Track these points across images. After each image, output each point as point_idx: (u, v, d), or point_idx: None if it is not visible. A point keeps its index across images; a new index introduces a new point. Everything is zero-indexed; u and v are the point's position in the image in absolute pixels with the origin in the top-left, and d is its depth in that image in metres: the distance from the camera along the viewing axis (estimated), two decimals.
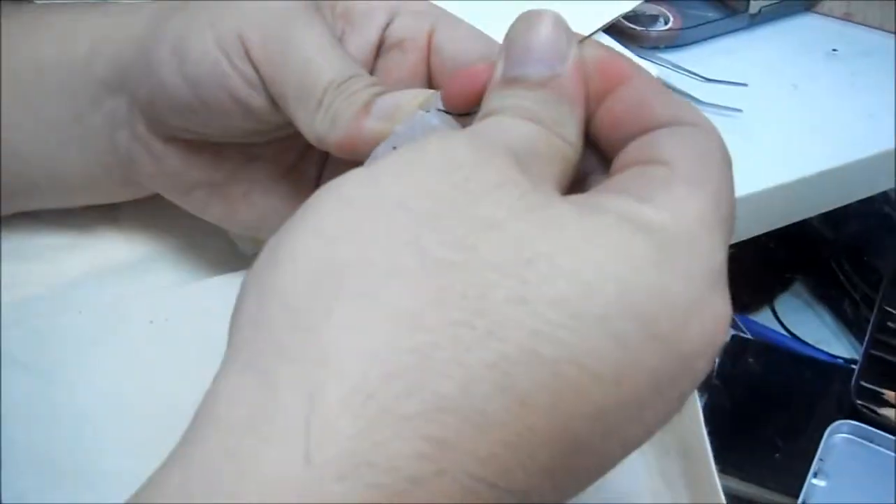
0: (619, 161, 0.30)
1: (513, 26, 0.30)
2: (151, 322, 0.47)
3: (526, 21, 0.30)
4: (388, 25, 0.41)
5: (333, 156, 0.41)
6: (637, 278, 0.25)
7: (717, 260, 0.27)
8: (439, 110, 0.34)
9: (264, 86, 0.38)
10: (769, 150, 0.61)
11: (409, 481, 0.24)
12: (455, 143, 0.28)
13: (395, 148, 0.34)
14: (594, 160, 0.31)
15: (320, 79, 0.37)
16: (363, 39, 0.40)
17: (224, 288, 0.47)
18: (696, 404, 0.46)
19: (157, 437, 0.43)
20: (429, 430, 0.24)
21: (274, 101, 0.38)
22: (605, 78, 0.30)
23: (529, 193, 0.26)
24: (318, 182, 0.43)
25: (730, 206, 0.28)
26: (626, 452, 0.27)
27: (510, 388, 0.24)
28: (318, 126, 0.36)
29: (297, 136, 0.41)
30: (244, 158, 0.43)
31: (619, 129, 0.30)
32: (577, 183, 0.31)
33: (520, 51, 0.30)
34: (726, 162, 0.29)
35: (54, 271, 0.50)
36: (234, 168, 0.43)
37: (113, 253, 0.51)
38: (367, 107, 0.36)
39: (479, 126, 0.29)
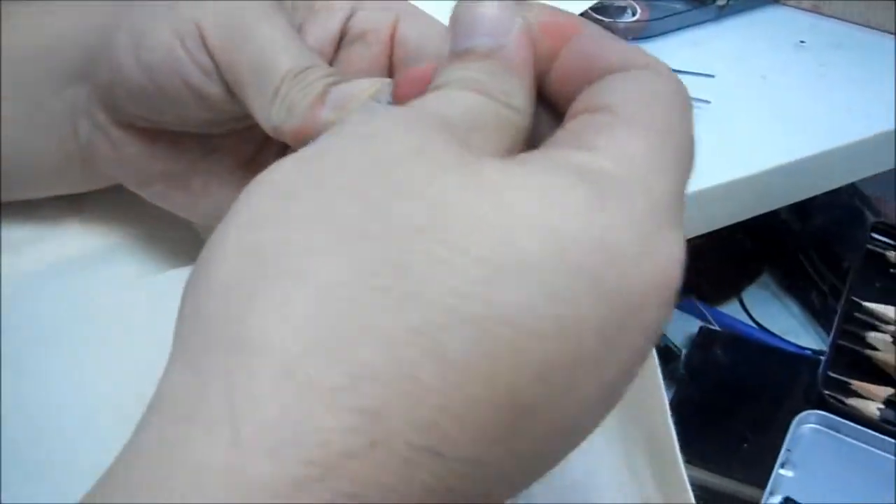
0: (568, 115, 0.29)
1: (458, 4, 0.30)
2: (118, 314, 0.47)
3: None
4: (350, 17, 0.41)
5: (292, 147, 0.41)
6: (571, 226, 0.24)
7: (665, 202, 0.26)
8: (389, 102, 0.34)
9: (220, 74, 0.38)
10: (737, 141, 0.61)
11: (343, 455, 0.23)
12: (380, 117, 0.28)
13: None
14: (553, 123, 0.31)
15: (276, 68, 0.37)
16: (324, 30, 0.40)
17: (184, 279, 0.47)
18: (662, 396, 0.46)
19: (125, 428, 0.43)
20: (356, 402, 0.23)
21: (230, 90, 0.38)
22: (552, 37, 0.29)
23: (452, 157, 0.26)
24: None
25: (682, 148, 0.27)
26: (590, 416, 0.26)
27: (439, 353, 0.24)
28: (274, 116, 0.36)
29: (255, 127, 0.41)
30: (203, 149, 0.43)
31: (571, 84, 0.29)
32: (532, 149, 0.31)
33: (465, 26, 0.29)
34: (679, 102, 0.28)
35: (19, 264, 0.50)
36: (193, 159, 0.43)
37: (78, 244, 0.51)
38: (322, 96, 0.36)
39: (419, 100, 0.29)
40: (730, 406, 0.74)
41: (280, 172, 0.27)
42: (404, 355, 0.24)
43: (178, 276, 0.46)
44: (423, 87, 0.30)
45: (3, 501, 0.42)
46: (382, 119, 0.28)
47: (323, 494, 0.23)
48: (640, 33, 0.66)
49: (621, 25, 0.65)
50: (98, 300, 0.47)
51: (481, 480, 0.25)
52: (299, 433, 0.23)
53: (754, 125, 0.63)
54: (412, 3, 0.41)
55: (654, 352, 0.46)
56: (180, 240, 0.50)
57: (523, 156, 0.27)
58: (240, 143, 0.42)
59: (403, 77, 0.33)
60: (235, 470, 0.23)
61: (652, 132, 0.27)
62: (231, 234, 0.26)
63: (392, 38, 0.40)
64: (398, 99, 0.33)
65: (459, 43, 0.29)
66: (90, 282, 0.48)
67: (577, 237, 0.24)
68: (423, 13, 0.41)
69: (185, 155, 0.42)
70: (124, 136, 0.42)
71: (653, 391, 0.46)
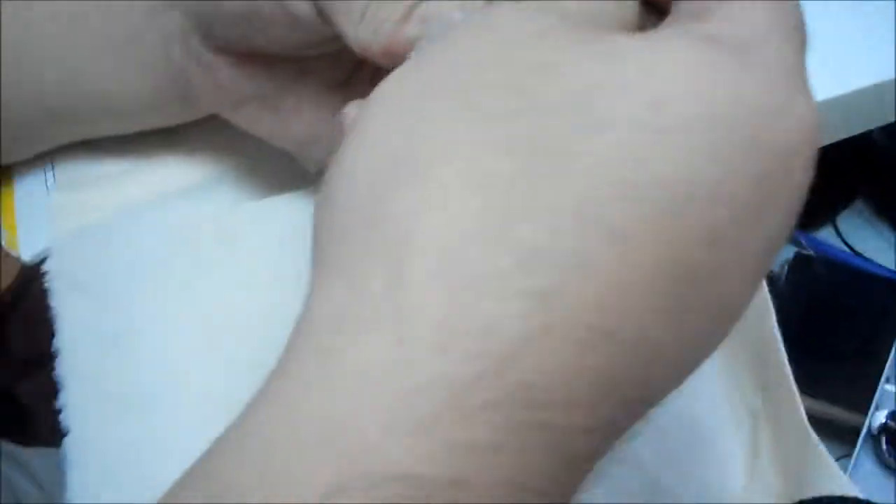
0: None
1: None
2: (218, 241, 0.48)
3: None
4: None
5: (384, 69, 0.42)
6: (716, 87, 0.25)
7: (795, 67, 0.26)
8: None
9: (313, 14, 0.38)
10: (827, 59, 0.60)
11: (516, 344, 0.22)
12: (495, 11, 0.28)
13: None
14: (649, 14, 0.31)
15: None
16: None
17: (290, 205, 0.48)
18: (771, 315, 0.46)
19: (232, 352, 0.44)
20: (525, 285, 0.23)
21: (320, 13, 0.38)
22: None
23: (579, 33, 0.26)
24: None
25: (797, 16, 0.27)
26: (747, 288, 0.26)
27: (603, 225, 0.23)
28: (362, 35, 0.36)
29: (347, 50, 0.41)
30: (295, 72, 0.44)
31: None
32: None
33: None
34: None
35: (113, 198, 0.51)
36: (285, 81, 0.44)
37: (172, 177, 0.52)
38: (407, 14, 0.36)
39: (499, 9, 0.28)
40: (827, 331, 0.74)
41: (398, 78, 0.28)
42: (570, 232, 0.23)
43: (278, 203, 0.48)
44: None
45: (103, 434, 0.43)
46: (497, 11, 0.28)
47: (498, 386, 0.22)
48: None
49: None
50: (199, 229, 0.48)
51: (644, 365, 0.24)
52: (468, 324, 0.23)
53: (849, 42, 0.62)
54: None
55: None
56: (276, 169, 0.51)
57: (649, 32, 0.27)
58: (332, 65, 0.43)
59: None
60: (405, 368, 0.23)
61: (768, 2, 0.27)
62: (360, 143, 0.26)
63: None
64: None
65: None
66: (188, 212, 0.49)
67: (722, 97, 0.24)
68: None
69: (277, 77, 0.43)
70: (217, 59, 0.43)
71: (762, 317, 0.46)
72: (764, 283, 0.46)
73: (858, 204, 0.92)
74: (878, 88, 0.61)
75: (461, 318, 0.23)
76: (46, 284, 0.48)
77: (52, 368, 0.46)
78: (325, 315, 0.25)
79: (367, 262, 0.24)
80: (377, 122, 0.27)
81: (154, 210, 0.50)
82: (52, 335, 0.46)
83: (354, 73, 0.45)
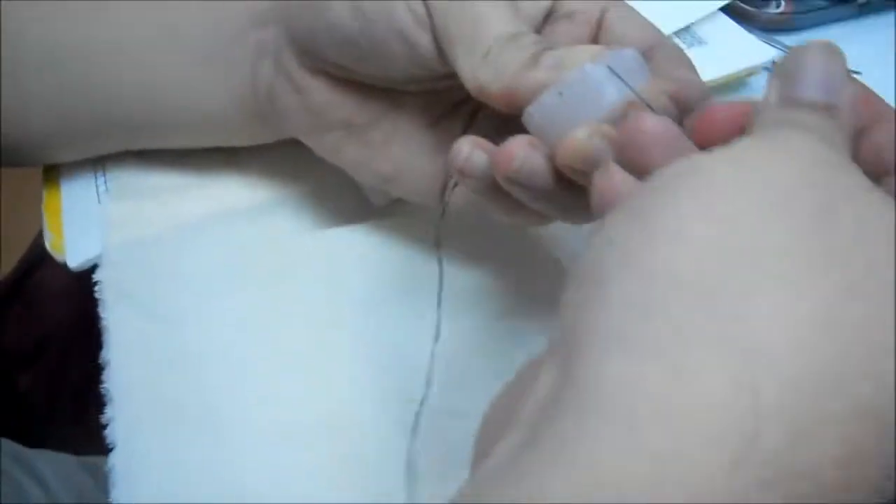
0: None
1: (788, 55, 0.30)
2: (277, 268, 0.48)
3: (803, 50, 0.30)
4: None
5: (482, 114, 0.42)
6: None
7: None
8: (609, 67, 0.34)
9: (433, 28, 0.38)
10: None
11: (821, 488, 0.22)
12: (809, 141, 0.27)
13: (560, 94, 0.34)
14: None
15: (491, 30, 0.37)
16: (534, 6, 0.41)
17: (353, 237, 0.49)
18: None
19: (279, 384, 0.44)
20: (847, 434, 0.23)
21: (439, 45, 0.39)
22: (866, 114, 0.30)
23: (858, 175, 0.27)
24: None
25: None
26: None
27: None
28: (482, 74, 0.37)
29: (448, 89, 0.42)
30: (390, 104, 0.44)
31: (875, 165, 0.29)
32: None
33: (800, 75, 0.29)
34: None
35: (170, 212, 0.51)
36: (378, 112, 0.44)
37: (233, 197, 0.52)
38: (534, 58, 0.36)
39: (787, 132, 0.28)
40: None
41: (723, 167, 0.27)
42: (890, 389, 0.23)
43: (341, 235, 0.48)
44: (731, 126, 0.31)
45: (154, 451, 0.43)
46: (810, 141, 0.27)
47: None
48: (782, 25, 0.66)
49: (766, 16, 0.66)
50: (258, 254, 0.48)
51: None
52: (797, 463, 0.23)
53: None
54: None
55: None
56: (338, 198, 0.51)
57: None
58: (429, 102, 0.44)
59: (706, 115, 0.32)
60: (731, 496, 0.22)
61: None
62: (690, 224, 0.25)
63: (598, 22, 0.40)
64: (699, 136, 0.32)
65: (793, 90, 0.29)
66: (247, 235, 0.49)
67: None
68: (629, 6, 0.42)
69: (371, 107, 0.43)
70: (313, 82, 0.43)
71: None
72: None
73: None
74: None
75: (791, 456, 0.22)
76: (96, 294, 0.48)
77: (48, 361, 0.45)
78: (634, 401, 0.23)
79: (702, 356, 0.23)
80: (711, 201, 0.26)
81: (214, 228, 0.50)
82: (44, 329, 0.46)
83: (449, 113, 0.45)
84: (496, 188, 0.37)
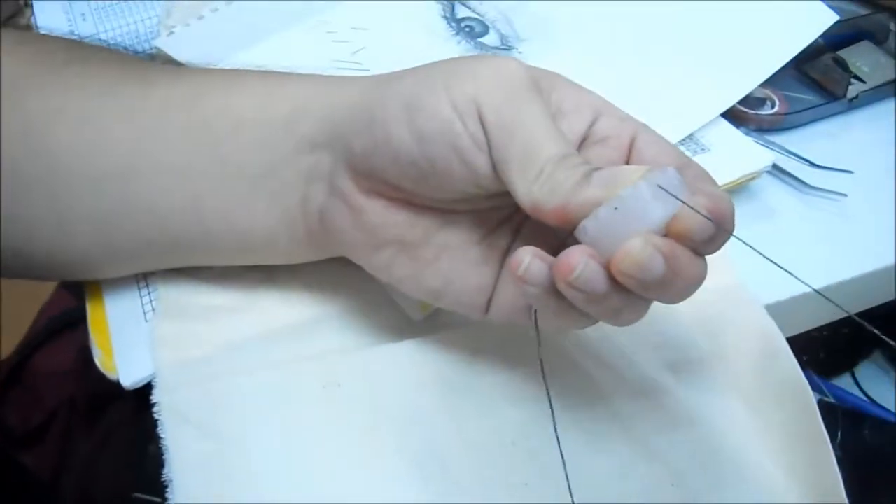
0: None
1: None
2: (324, 386, 0.51)
3: None
4: (594, 122, 0.46)
5: (526, 230, 0.46)
6: None
7: None
8: (658, 185, 0.39)
9: (490, 149, 0.43)
10: (872, 234, 0.66)
11: None
12: None
13: (615, 209, 0.39)
14: None
15: (544, 150, 0.42)
16: (570, 130, 0.45)
17: (397, 354, 0.52)
18: (838, 478, 0.50)
19: (342, 493, 0.47)
20: None
21: (494, 165, 0.43)
22: None
23: None
24: (506, 254, 0.48)
25: None
26: None
27: None
28: (537, 192, 0.41)
29: (495, 209, 0.46)
30: (442, 222, 0.47)
31: None
32: None
33: None
34: None
35: (219, 333, 0.54)
36: (429, 230, 0.47)
37: (276, 316, 0.55)
38: (586, 177, 0.41)
39: None
40: (881, 485, 0.78)
41: None
42: None
43: (386, 352, 0.51)
44: None
45: None
46: None
47: None
48: (777, 125, 0.71)
49: (761, 116, 0.70)
50: (306, 372, 0.52)
51: None
52: None
53: (888, 218, 0.67)
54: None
55: (825, 433, 0.50)
56: (379, 314, 0.54)
57: None
58: (478, 220, 0.48)
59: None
60: None
61: None
62: None
63: (629, 147, 0.45)
64: None
65: None
66: (292, 353, 0.52)
67: None
68: (655, 131, 0.47)
69: (423, 225, 0.47)
70: (368, 202, 0.47)
71: (827, 471, 0.50)
72: (829, 444, 0.50)
73: (876, 355, 0.98)
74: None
75: None
76: (156, 416, 0.51)
77: (51, 442, 0.48)
78: None
79: None
80: None
81: (259, 350, 0.53)
82: (46, 408, 0.48)
83: (496, 229, 0.48)
84: (550, 294, 0.41)
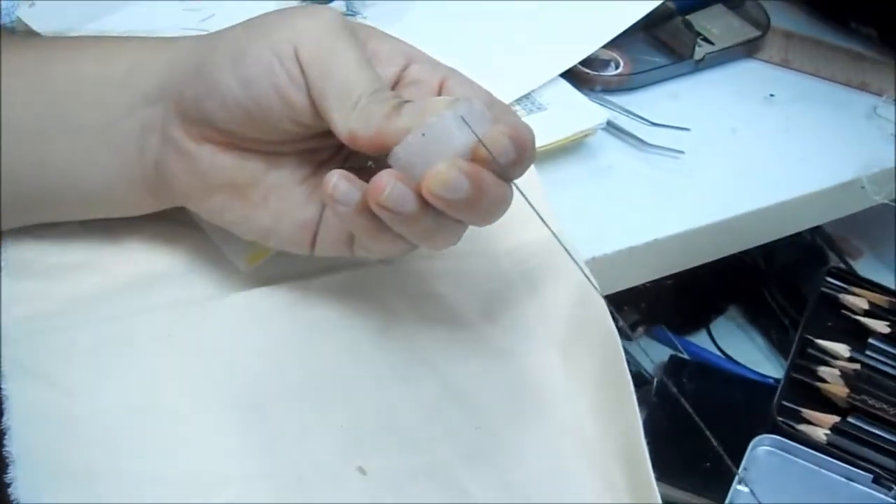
0: None
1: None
2: (155, 338, 0.55)
3: None
4: (406, 67, 0.52)
5: (347, 167, 0.51)
6: None
7: None
8: (461, 116, 0.45)
9: (308, 87, 0.48)
10: (708, 190, 0.71)
11: None
12: None
13: (423, 136, 0.45)
14: None
15: (358, 86, 0.47)
16: (384, 74, 0.51)
17: (223, 307, 0.56)
18: (637, 418, 0.56)
19: (168, 438, 0.51)
20: None
21: (313, 102, 0.48)
22: None
23: None
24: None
25: None
26: None
27: None
28: (353, 124, 0.47)
29: (318, 148, 0.51)
30: (268, 165, 0.52)
31: None
32: None
33: None
34: None
35: (63, 289, 0.56)
36: (257, 172, 0.52)
37: (117, 273, 0.58)
38: (397, 108, 0.46)
39: None
40: (695, 428, 0.84)
41: None
42: None
43: (212, 306, 0.55)
44: None
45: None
46: None
47: None
48: (622, 85, 0.76)
49: (605, 77, 0.75)
50: (145, 324, 0.55)
51: None
52: None
53: (724, 175, 0.73)
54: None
55: (629, 377, 0.56)
56: (217, 272, 0.58)
57: None
58: (302, 162, 0.53)
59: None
60: None
61: None
62: None
63: (439, 88, 0.51)
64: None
65: None
66: (134, 307, 0.56)
67: None
68: (464, 76, 0.52)
69: (251, 167, 0.52)
70: (198, 148, 0.52)
71: (629, 413, 0.56)
72: (632, 388, 0.56)
73: (732, 311, 1.05)
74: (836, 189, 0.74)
75: None
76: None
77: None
78: None
79: None
80: None
81: (102, 304, 0.56)
82: None
83: (318, 169, 0.53)
84: (363, 214, 0.46)
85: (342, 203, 0.46)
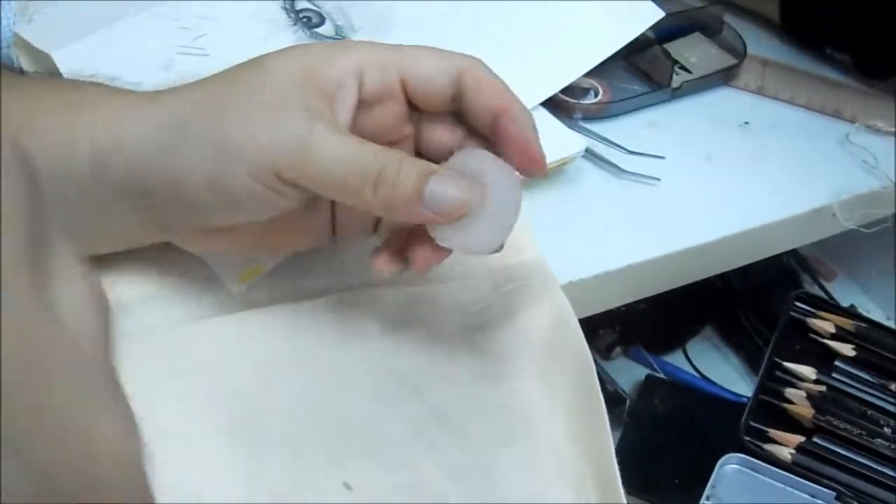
0: None
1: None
2: (154, 357, 0.58)
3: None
4: (361, 87, 0.51)
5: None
6: None
7: None
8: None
9: (298, 194, 0.49)
10: (683, 216, 0.75)
11: None
12: None
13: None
14: None
15: (358, 180, 0.48)
16: (345, 107, 0.51)
17: (212, 329, 0.58)
18: (608, 438, 0.60)
19: (155, 459, 0.54)
20: None
21: (310, 202, 0.51)
22: None
23: None
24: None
25: None
26: None
27: None
28: (378, 211, 0.50)
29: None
30: (272, 219, 0.52)
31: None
32: None
33: None
34: None
35: None
36: (263, 227, 0.53)
37: (108, 293, 0.61)
38: (417, 194, 0.48)
39: None
40: (668, 446, 0.89)
41: None
42: None
43: (201, 327, 0.58)
44: None
45: None
46: None
47: None
48: (600, 113, 0.81)
49: (584, 105, 0.80)
50: (131, 345, 0.56)
51: None
52: None
53: (699, 201, 0.77)
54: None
55: (601, 398, 0.60)
56: (207, 293, 0.61)
57: None
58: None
59: None
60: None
61: None
62: None
63: (404, 90, 0.53)
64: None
65: None
66: (123, 328, 0.58)
67: None
68: (419, 52, 0.53)
69: (255, 228, 0.53)
70: (196, 240, 0.56)
71: (601, 432, 0.60)
72: (604, 408, 0.60)
73: (707, 331, 1.10)
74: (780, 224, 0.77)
75: None
76: None
77: None
78: None
79: None
80: None
81: None
82: None
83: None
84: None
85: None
